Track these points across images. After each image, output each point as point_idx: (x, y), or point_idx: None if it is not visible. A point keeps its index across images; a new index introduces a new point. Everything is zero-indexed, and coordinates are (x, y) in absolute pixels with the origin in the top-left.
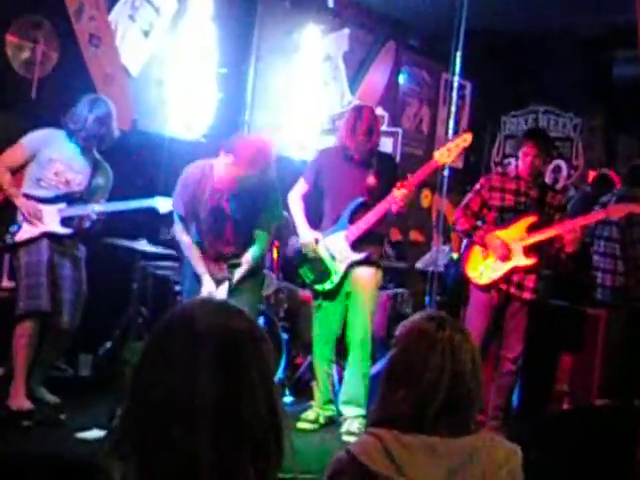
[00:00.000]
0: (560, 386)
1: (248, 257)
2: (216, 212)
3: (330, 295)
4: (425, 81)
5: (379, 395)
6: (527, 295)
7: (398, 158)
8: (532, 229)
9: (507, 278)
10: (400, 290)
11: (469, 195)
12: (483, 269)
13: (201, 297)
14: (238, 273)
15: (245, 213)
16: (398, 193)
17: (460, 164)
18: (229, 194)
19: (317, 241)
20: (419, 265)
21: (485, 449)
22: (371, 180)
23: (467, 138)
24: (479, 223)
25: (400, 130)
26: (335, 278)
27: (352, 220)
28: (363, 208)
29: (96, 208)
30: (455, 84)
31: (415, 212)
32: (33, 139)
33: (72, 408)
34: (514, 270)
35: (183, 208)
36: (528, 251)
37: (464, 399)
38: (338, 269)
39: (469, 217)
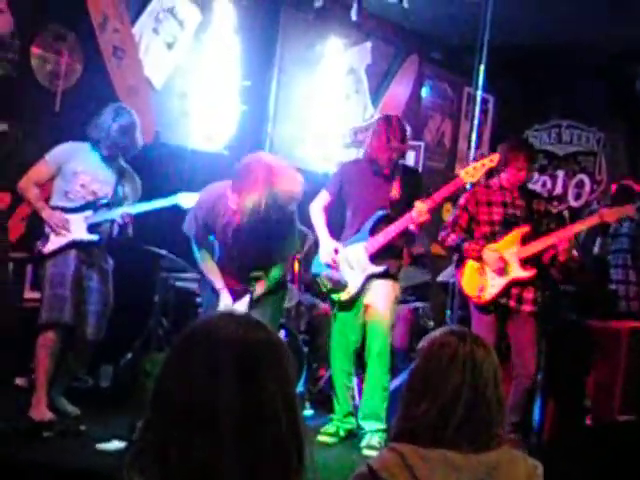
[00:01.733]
0: (586, 402)
1: (269, 278)
2: (231, 238)
3: (346, 306)
4: (447, 94)
5: (400, 408)
6: (527, 307)
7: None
8: (526, 240)
9: (506, 292)
10: (421, 304)
11: (455, 212)
12: (482, 286)
13: (222, 310)
14: (258, 291)
15: (260, 244)
16: (420, 207)
17: (482, 178)
18: (242, 226)
19: (336, 251)
20: (441, 278)
21: (506, 464)
22: (394, 193)
23: (494, 159)
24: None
25: (422, 144)
26: (352, 289)
27: (373, 232)
28: (385, 221)
29: (122, 212)
30: (478, 98)
31: (437, 225)
32: (56, 154)
33: (92, 419)
34: (512, 283)
35: (195, 230)
36: (525, 263)
37: (485, 413)
38: (356, 280)
39: (458, 233)
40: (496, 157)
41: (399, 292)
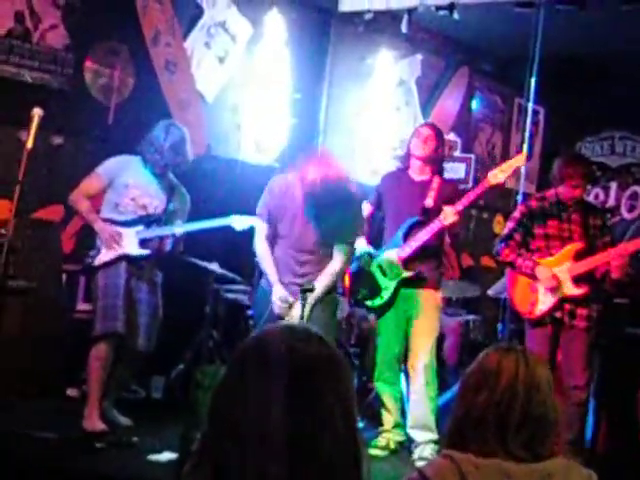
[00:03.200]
0: (638, 418)
1: (328, 270)
2: (296, 221)
3: (382, 313)
4: (498, 106)
5: (458, 406)
6: (581, 323)
7: (470, 184)
8: (579, 256)
9: (559, 307)
10: (471, 317)
11: (509, 224)
12: (533, 301)
13: (282, 323)
14: (319, 287)
15: (325, 222)
16: (448, 210)
17: (533, 189)
18: (307, 204)
19: (371, 257)
20: (491, 292)
21: (560, 475)
22: (429, 201)
23: (520, 159)
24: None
25: (472, 156)
26: (385, 294)
27: (406, 238)
28: (418, 227)
29: (175, 230)
30: (529, 110)
31: (487, 238)
32: (108, 168)
33: (144, 430)
34: (564, 299)
35: (267, 215)
36: (577, 280)
37: (542, 415)
38: (388, 286)
39: (513, 248)
40: (522, 157)
41: (440, 301)
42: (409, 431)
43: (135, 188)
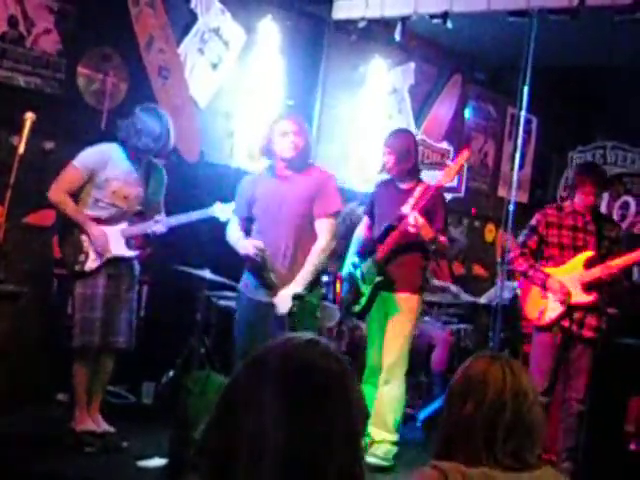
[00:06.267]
0: (628, 427)
1: (315, 249)
2: (272, 208)
3: (364, 317)
4: (491, 115)
5: (446, 416)
6: (588, 333)
7: (463, 192)
8: (591, 265)
9: (568, 315)
10: (462, 325)
11: (525, 232)
12: (542, 309)
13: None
14: (308, 268)
15: (301, 205)
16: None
17: (526, 199)
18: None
19: (354, 266)
20: (482, 300)
21: None
22: (405, 208)
23: (465, 155)
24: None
25: (465, 164)
26: (362, 300)
27: (380, 244)
28: (391, 232)
29: (158, 227)
30: (521, 118)
31: (478, 246)
32: (87, 161)
33: (134, 436)
34: (573, 307)
35: (240, 209)
36: (587, 288)
37: (529, 423)
38: (365, 292)
39: (527, 256)
40: (467, 153)
41: (415, 304)
42: (369, 427)
43: (116, 180)
